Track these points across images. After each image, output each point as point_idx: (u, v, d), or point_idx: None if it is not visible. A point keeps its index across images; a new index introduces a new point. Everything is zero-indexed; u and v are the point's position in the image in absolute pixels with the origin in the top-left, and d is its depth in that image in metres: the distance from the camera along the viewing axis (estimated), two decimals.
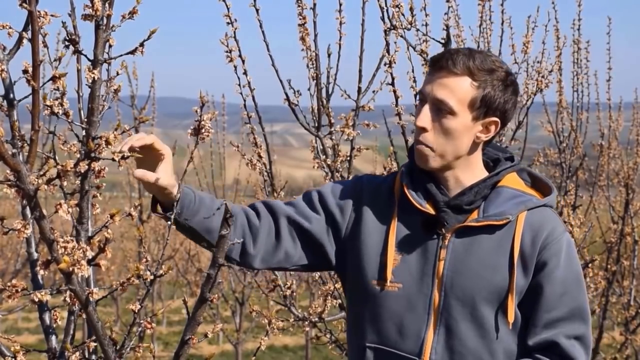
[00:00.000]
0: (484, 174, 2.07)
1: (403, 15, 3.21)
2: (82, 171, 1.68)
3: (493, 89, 1.99)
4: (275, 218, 2.11)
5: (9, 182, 1.50)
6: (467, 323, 1.97)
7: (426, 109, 1.99)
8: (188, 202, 2.00)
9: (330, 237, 2.12)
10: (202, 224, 2.02)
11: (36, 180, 1.50)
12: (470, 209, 2.02)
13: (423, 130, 1.99)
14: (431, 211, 2.02)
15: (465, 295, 1.97)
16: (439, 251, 2.01)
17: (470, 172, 2.05)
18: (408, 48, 3.26)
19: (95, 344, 1.88)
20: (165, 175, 1.95)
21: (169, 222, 1.86)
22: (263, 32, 3.13)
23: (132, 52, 1.82)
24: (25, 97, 1.80)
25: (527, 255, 1.98)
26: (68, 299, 1.90)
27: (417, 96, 2.05)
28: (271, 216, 2.12)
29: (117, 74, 1.89)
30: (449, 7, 3.65)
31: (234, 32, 3.06)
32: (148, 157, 1.92)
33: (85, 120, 1.82)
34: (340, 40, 3.18)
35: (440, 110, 1.98)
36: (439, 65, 1.99)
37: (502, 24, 4.21)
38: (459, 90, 1.97)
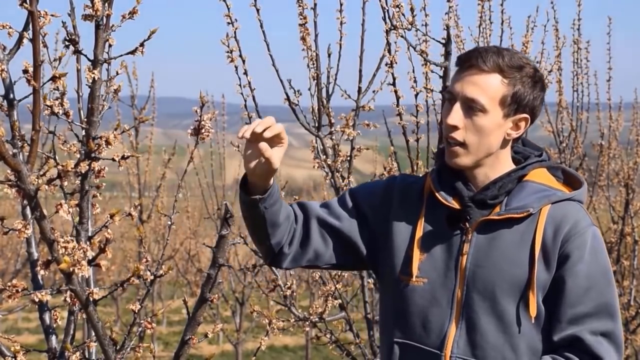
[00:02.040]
0: None
1: (403, 15, 3.20)
2: (83, 171, 1.69)
3: (523, 86, 2.00)
4: (307, 219, 2.15)
5: (10, 182, 1.50)
6: (488, 317, 1.98)
7: (457, 107, 2.00)
8: (274, 192, 2.03)
9: (364, 235, 2.15)
10: (272, 216, 2.05)
11: (36, 180, 1.50)
12: (494, 204, 2.03)
13: (454, 128, 2.00)
14: (456, 206, 2.04)
15: (486, 288, 1.98)
16: (462, 245, 2.02)
17: (499, 169, 2.05)
18: (408, 48, 3.26)
19: (95, 344, 1.88)
20: (279, 162, 1.96)
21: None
22: (264, 32, 3.13)
23: (132, 52, 1.82)
24: (25, 97, 1.80)
25: (549, 249, 1.97)
26: (68, 299, 1.90)
27: (445, 95, 2.05)
28: (303, 216, 2.15)
29: (117, 74, 1.89)
30: (449, 7, 3.65)
31: (235, 32, 3.06)
32: (269, 142, 1.94)
33: (85, 120, 1.82)
34: (340, 40, 3.18)
35: (472, 108, 1.98)
36: (469, 64, 1.99)
37: (501, 24, 4.21)
38: (489, 87, 1.98)
